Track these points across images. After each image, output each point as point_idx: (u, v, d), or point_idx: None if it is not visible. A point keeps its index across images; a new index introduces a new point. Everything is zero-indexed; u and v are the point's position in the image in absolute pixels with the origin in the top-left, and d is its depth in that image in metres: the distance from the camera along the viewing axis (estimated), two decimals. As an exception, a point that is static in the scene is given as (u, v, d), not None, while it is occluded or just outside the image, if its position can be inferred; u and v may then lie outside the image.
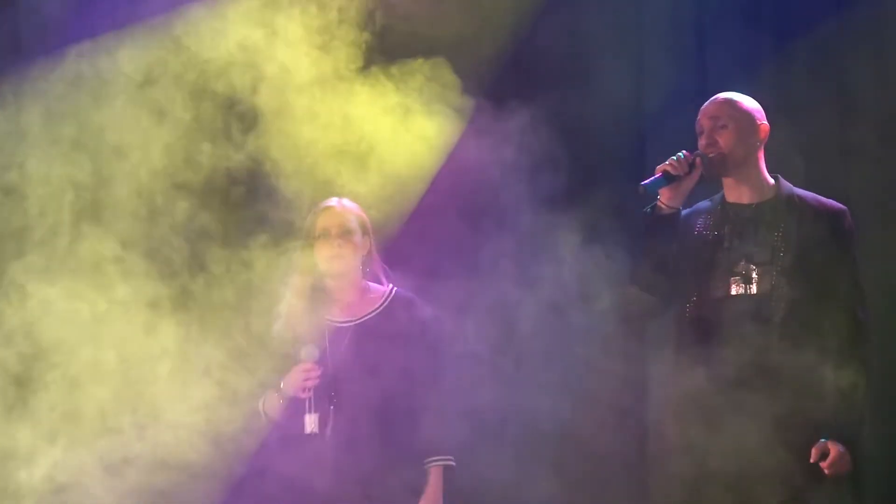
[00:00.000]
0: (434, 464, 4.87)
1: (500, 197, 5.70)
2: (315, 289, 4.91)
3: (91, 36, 5.48)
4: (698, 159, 4.69)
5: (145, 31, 5.45)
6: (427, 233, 5.59)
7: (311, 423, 4.79)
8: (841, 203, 4.82)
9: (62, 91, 5.40)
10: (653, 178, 4.69)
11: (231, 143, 5.28)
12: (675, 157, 4.67)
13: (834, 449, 4.59)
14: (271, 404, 4.88)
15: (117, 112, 5.34)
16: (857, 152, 5.79)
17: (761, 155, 4.78)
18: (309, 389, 4.80)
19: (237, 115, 5.31)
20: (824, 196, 4.80)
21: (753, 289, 4.68)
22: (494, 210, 5.68)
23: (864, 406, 4.62)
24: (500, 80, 5.74)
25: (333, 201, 4.96)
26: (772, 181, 4.78)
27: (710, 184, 4.83)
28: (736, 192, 4.78)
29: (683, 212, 4.85)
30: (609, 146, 5.94)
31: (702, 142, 4.75)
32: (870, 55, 5.79)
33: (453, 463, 4.90)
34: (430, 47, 5.36)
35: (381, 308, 4.91)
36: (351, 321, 4.90)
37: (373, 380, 4.80)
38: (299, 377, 4.82)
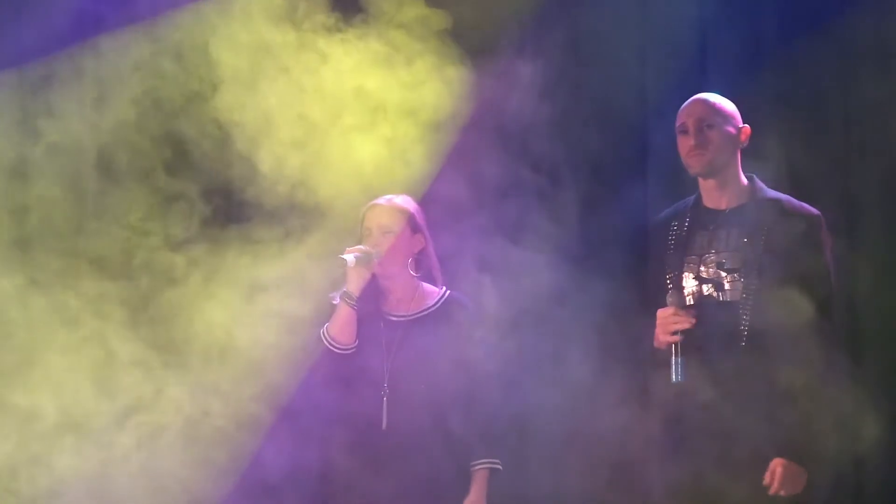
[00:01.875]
0: (481, 466, 4.88)
1: (494, 196, 5.70)
2: (369, 287, 4.92)
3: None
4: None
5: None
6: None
7: None
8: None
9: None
10: (675, 368, 4.53)
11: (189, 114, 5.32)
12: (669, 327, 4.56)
13: (779, 467, 4.47)
14: (336, 319, 4.87)
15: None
16: (859, 151, 5.65)
17: (739, 157, 4.68)
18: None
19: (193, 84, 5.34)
20: (813, 197, 4.73)
21: (724, 296, 4.58)
22: (487, 211, 5.64)
23: (827, 421, 4.48)
24: (498, 79, 5.66)
25: (382, 199, 4.95)
26: (746, 182, 4.68)
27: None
28: (713, 197, 4.68)
29: (661, 214, 4.81)
30: (611, 144, 5.84)
31: (689, 141, 4.63)
32: (872, 54, 5.64)
33: (500, 466, 4.90)
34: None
35: (435, 308, 4.93)
36: (404, 317, 4.92)
37: (425, 376, 4.84)
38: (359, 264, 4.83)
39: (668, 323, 4.54)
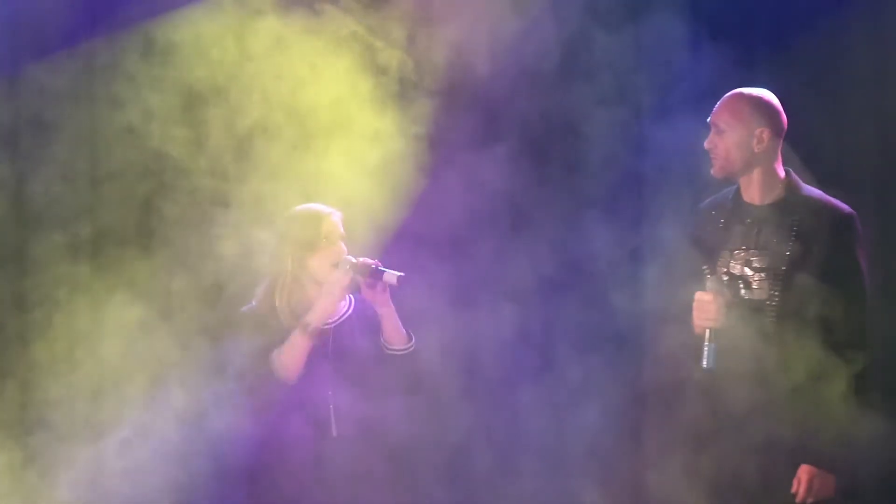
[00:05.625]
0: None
1: (491, 201, 5.69)
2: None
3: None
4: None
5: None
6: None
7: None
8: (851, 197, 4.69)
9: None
10: (706, 353, 4.47)
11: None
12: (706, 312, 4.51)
13: (806, 475, 4.45)
14: (293, 347, 4.78)
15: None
16: (856, 151, 5.70)
17: (773, 155, 4.60)
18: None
19: None
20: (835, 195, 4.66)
21: (752, 294, 4.54)
22: (486, 216, 5.67)
23: (854, 426, 4.42)
24: (495, 81, 5.64)
25: (330, 208, 4.91)
26: (783, 176, 4.61)
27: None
28: (748, 191, 4.63)
29: (704, 202, 4.76)
30: (606, 147, 5.80)
31: (706, 143, 4.62)
32: (869, 53, 5.68)
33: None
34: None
35: (351, 310, 4.94)
36: (329, 323, 4.89)
37: (362, 376, 4.84)
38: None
39: (706, 308, 4.50)
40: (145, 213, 5.52)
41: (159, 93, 5.28)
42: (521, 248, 5.61)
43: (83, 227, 5.53)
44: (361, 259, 4.80)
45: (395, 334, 4.86)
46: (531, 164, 5.73)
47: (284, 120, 5.18)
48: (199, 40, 5.19)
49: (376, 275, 4.79)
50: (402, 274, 4.76)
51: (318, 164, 5.11)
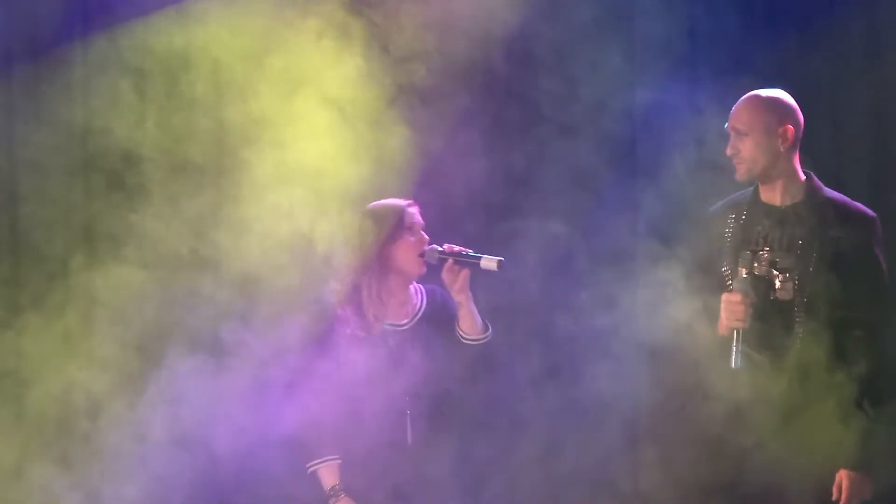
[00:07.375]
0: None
1: (485, 198, 5.58)
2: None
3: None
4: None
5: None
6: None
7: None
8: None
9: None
10: (735, 355, 4.44)
11: None
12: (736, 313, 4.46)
13: (846, 479, 4.44)
14: None
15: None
16: (852, 152, 5.69)
17: (793, 155, 4.58)
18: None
19: None
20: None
21: (775, 294, 4.51)
22: (479, 217, 5.54)
23: (886, 426, 4.45)
24: (491, 77, 5.60)
25: (406, 200, 4.84)
26: (803, 179, 4.59)
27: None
28: (768, 192, 4.60)
29: (717, 204, 4.72)
30: (600, 144, 5.70)
31: (728, 149, 4.59)
32: (864, 52, 5.68)
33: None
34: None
35: (425, 305, 4.85)
36: (406, 323, 4.81)
37: (440, 380, 4.75)
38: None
39: (735, 308, 4.45)
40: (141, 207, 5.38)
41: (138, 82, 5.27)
42: (518, 234, 5.50)
43: (76, 220, 5.46)
44: (447, 246, 4.70)
45: (471, 323, 4.74)
46: (529, 146, 5.67)
47: (270, 106, 5.09)
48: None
49: (469, 262, 4.65)
50: (501, 258, 4.62)
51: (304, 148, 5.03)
